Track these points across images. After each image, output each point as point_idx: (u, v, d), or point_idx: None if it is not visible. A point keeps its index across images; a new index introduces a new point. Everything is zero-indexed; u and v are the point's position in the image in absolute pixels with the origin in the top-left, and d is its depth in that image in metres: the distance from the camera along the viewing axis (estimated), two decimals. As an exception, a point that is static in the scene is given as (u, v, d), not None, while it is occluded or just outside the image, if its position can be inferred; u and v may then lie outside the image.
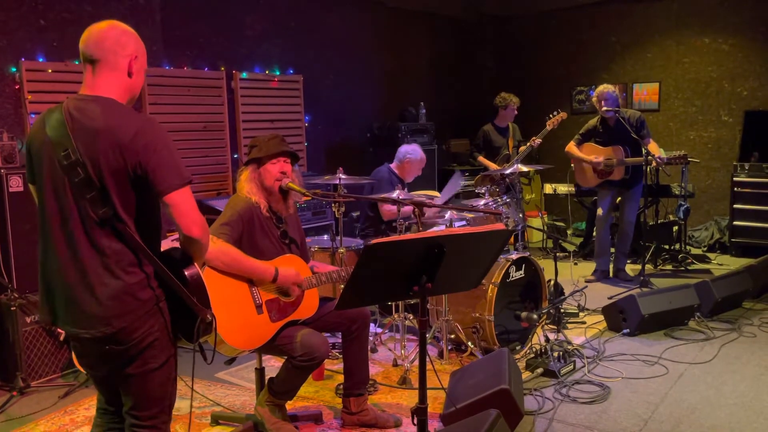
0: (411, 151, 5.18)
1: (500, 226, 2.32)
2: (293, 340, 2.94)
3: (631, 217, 5.95)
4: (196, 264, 2.09)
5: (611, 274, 6.09)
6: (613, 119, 5.74)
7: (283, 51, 6.37)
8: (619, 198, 6.04)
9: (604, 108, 5.70)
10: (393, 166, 5.22)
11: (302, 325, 3.08)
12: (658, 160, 5.48)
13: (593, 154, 5.87)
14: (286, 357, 3.01)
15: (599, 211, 6.00)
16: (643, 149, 5.58)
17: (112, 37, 2.04)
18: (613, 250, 6.17)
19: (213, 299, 2.73)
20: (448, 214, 4.28)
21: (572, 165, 6.19)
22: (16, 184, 3.91)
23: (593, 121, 5.95)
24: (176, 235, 2.09)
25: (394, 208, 4.89)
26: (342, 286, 4.07)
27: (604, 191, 5.97)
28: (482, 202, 4.69)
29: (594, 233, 6.44)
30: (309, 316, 3.11)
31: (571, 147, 5.98)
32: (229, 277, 2.88)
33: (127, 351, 1.99)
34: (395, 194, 4.20)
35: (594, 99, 5.87)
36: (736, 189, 6.74)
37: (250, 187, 3.10)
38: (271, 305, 2.98)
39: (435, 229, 4.41)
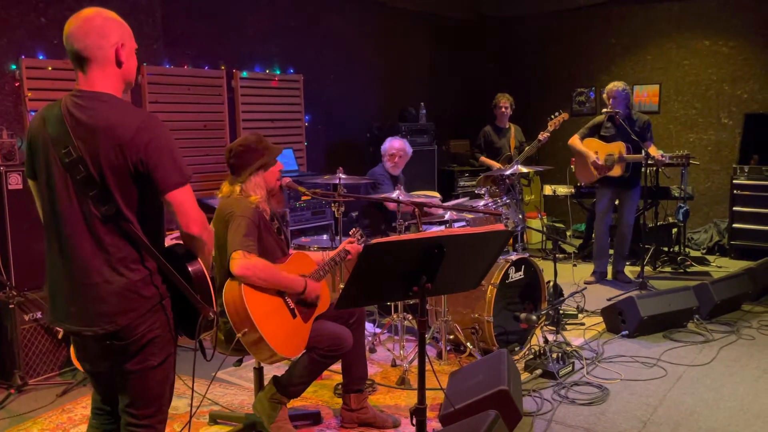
0: (385, 143, 5.20)
1: (500, 226, 2.32)
2: (320, 333, 2.99)
3: (630, 219, 5.96)
4: (199, 260, 2.08)
5: (610, 276, 6.09)
6: (620, 117, 5.76)
7: (284, 50, 6.36)
8: (618, 200, 6.04)
9: (604, 110, 5.74)
10: (383, 164, 5.23)
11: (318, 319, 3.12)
12: (661, 158, 5.50)
13: (596, 148, 5.88)
14: (305, 350, 3.03)
15: (599, 207, 6.01)
16: (643, 150, 5.60)
17: (93, 30, 1.97)
18: (611, 252, 6.18)
19: (260, 315, 2.76)
20: (447, 215, 4.28)
21: (572, 166, 6.18)
22: (15, 181, 3.90)
23: (601, 117, 5.96)
24: (175, 234, 2.09)
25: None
26: (342, 283, 4.07)
27: (603, 189, 5.98)
28: (482, 202, 4.69)
29: (593, 235, 6.45)
30: (327, 308, 3.16)
31: (575, 140, 5.98)
32: (264, 290, 2.88)
33: (127, 347, 1.99)
34: (395, 194, 4.20)
35: (604, 95, 5.89)
36: (735, 191, 6.74)
37: (260, 193, 3.04)
38: (300, 307, 3.02)
39: (433, 228, 4.40)
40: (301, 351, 2.97)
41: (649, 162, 5.63)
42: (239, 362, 3.23)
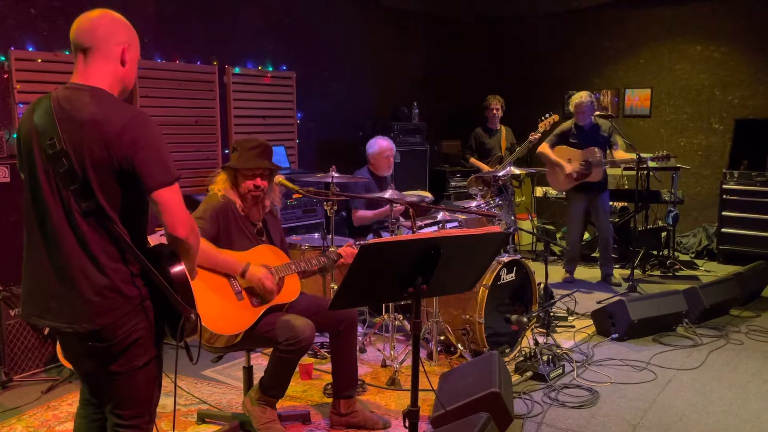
0: (369, 146, 5.14)
1: (496, 228, 2.30)
2: (275, 326, 2.93)
3: (608, 222, 6.05)
4: (182, 262, 2.04)
5: (601, 279, 6.14)
6: (589, 125, 5.85)
7: (277, 47, 6.32)
8: (590, 206, 6.05)
9: (581, 123, 5.86)
10: (369, 166, 5.18)
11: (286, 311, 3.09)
12: (646, 159, 5.56)
13: (568, 156, 5.90)
14: (272, 347, 2.99)
15: (573, 214, 6.05)
16: (612, 153, 5.77)
17: (104, 25, 2.00)
18: (597, 254, 6.23)
19: (196, 288, 2.70)
20: (441, 215, 4.26)
21: (547, 172, 6.21)
22: (2, 174, 3.85)
23: (568, 124, 6.01)
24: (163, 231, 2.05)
25: (368, 213, 4.88)
26: (334, 284, 4.05)
27: (577, 195, 6.01)
28: (474, 203, 4.68)
29: (586, 236, 6.49)
30: (291, 300, 3.12)
31: (545, 148, 6.00)
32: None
33: (110, 348, 1.95)
34: (388, 193, 4.17)
35: (571, 107, 5.93)
36: (724, 196, 6.77)
37: (225, 187, 3.12)
38: (252, 292, 3.00)
39: (425, 230, 4.39)
40: (237, 331, 2.90)
41: (642, 166, 5.67)
42: (218, 359, 3.21)
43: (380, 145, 5.09)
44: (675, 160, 7.01)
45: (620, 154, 5.84)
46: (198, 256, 2.08)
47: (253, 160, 3.09)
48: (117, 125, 1.88)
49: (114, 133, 1.87)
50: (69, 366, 3.70)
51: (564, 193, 6.57)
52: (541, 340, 4.17)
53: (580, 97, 5.83)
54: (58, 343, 3.29)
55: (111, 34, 2.00)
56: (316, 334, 3.08)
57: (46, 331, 3.94)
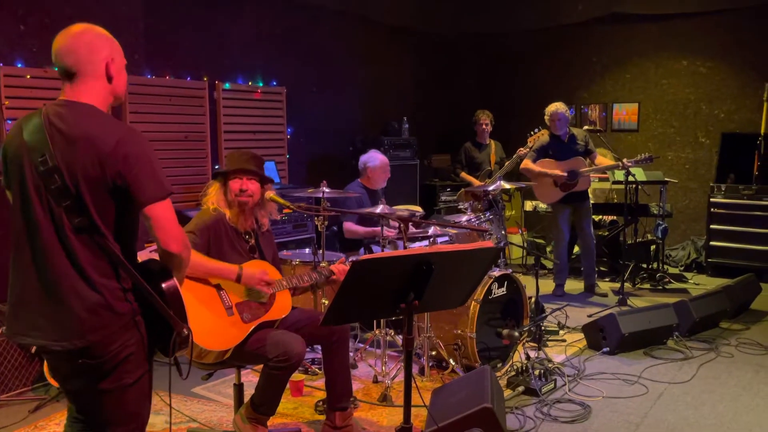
0: (369, 159, 5.13)
1: (489, 243, 2.30)
2: (265, 343, 2.91)
3: (591, 231, 6.09)
4: (174, 277, 2.04)
5: (584, 290, 6.18)
6: (566, 135, 5.90)
7: (267, 62, 6.34)
8: (573, 215, 6.09)
9: (558, 132, 5.91)
10: (361, 180, 5.18)
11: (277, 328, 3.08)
12: (627, 163, 5.59)
13: (555, 168, 5.92)
14: (262, 364, 2.97)
15: (562, 226, 6.07)
16: (592, 162, 5.87)
17: (83, 45, 1.98)
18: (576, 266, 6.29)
19: (186, 301, 2.69)
20: (432, 230, 4.26)
21: (534, 186, 6.25)
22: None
23: (545, 137, 6.04)
24: (154, 246, 2.05)
25: (360, 229, 4.87)
26: (325, 299, 4.03)
27: (562, 207, 6.05)
28: (464, 218, 4.69)
29: (576, 249, 6.51)
30: (283, 316, 3.12)
31: (528, 164, 6.01)
32: (196, 282, 2.89)
33: (101, 365, 1.93)
34: (380, 208, 4.17)
35: (546, 117, 5.97)
36: (712, 210, 6.83)
37: (217, 199, 3.15)
38: (242, 307, 2.99)
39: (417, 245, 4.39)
40: (227, 347, 2.89)
41: (629, 180, 5.72)
42: (208, 376, 3.19)
43: (381, 159, 5.11)
44: (663, 173, 7.09)
45: (602, 160, 5.92)
46: (187, 269, 2.08)
47: (237, 163, 3.15)
48: (110, 142, 1.88)
49: (107, 149, 1.88)
50: (56, 385, 3.65)
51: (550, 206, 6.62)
52: (532, 354, 4.17)
53: (555, 106, 5.89)
54: (45, 361, 3.25)
55: (92, 53, 1.98)
56: (307, 349, 3.07)
57: (34, 349, 3.89)
